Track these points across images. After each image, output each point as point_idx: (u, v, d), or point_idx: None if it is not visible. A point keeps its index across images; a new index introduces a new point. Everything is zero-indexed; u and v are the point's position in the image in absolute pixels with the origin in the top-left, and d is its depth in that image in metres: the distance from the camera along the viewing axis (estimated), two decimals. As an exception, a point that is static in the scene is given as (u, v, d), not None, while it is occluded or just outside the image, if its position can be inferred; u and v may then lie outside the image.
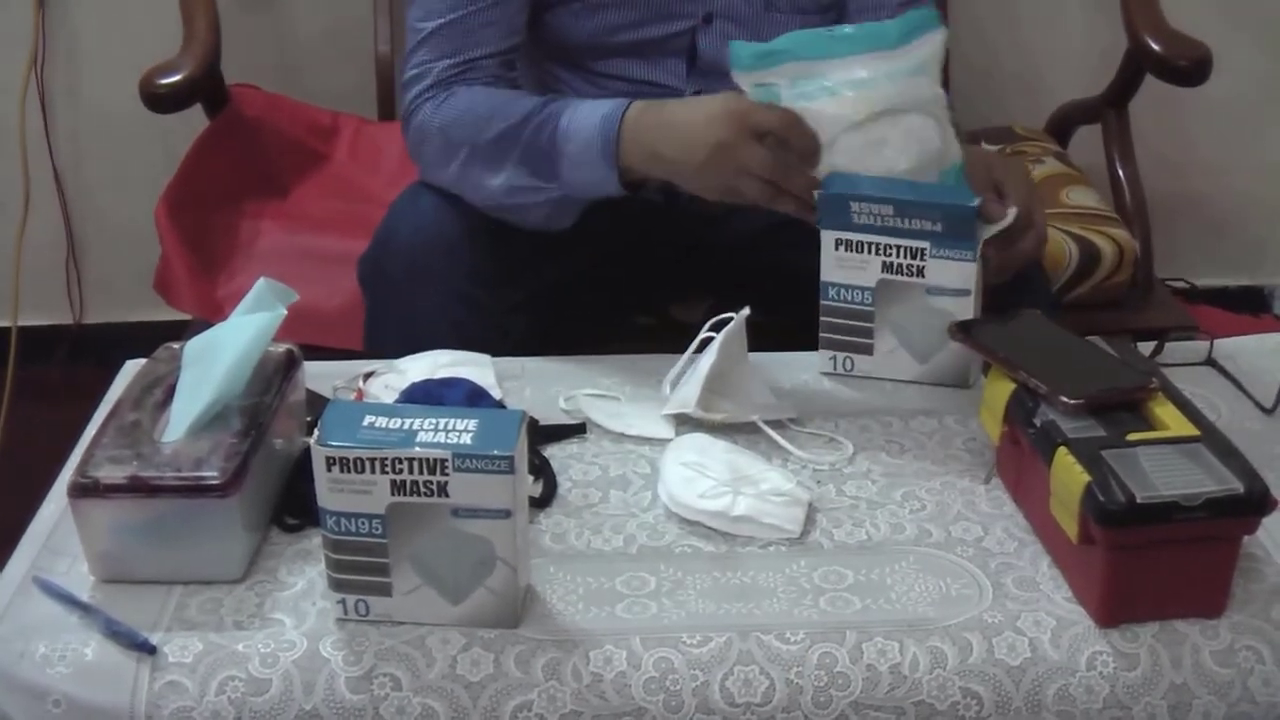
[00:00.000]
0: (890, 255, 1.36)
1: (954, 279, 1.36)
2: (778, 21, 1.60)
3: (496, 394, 1.35)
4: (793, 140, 1.35)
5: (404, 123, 1.56)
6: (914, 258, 1.36)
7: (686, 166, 1.38)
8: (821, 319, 1.41)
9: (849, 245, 1.36)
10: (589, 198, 1.47)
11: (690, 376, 1.34)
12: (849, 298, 1.39)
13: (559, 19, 1.58)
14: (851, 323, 1.40)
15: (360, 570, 1.06)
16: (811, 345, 1.43)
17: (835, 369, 1.42)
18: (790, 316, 1.46)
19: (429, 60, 1.53)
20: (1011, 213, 1.35)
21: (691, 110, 1.41)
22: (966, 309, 1.36)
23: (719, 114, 1.37)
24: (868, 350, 1.41)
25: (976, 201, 1.34)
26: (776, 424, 1.33)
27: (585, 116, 1.43)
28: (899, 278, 1.36)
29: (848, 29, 1.39)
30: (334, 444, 1.02)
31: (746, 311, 1.34)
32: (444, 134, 1.50)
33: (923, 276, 1.36)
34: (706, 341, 1.34)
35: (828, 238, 1.37)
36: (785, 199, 1.36)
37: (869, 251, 1.36)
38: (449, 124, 1.50)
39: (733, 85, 1.63)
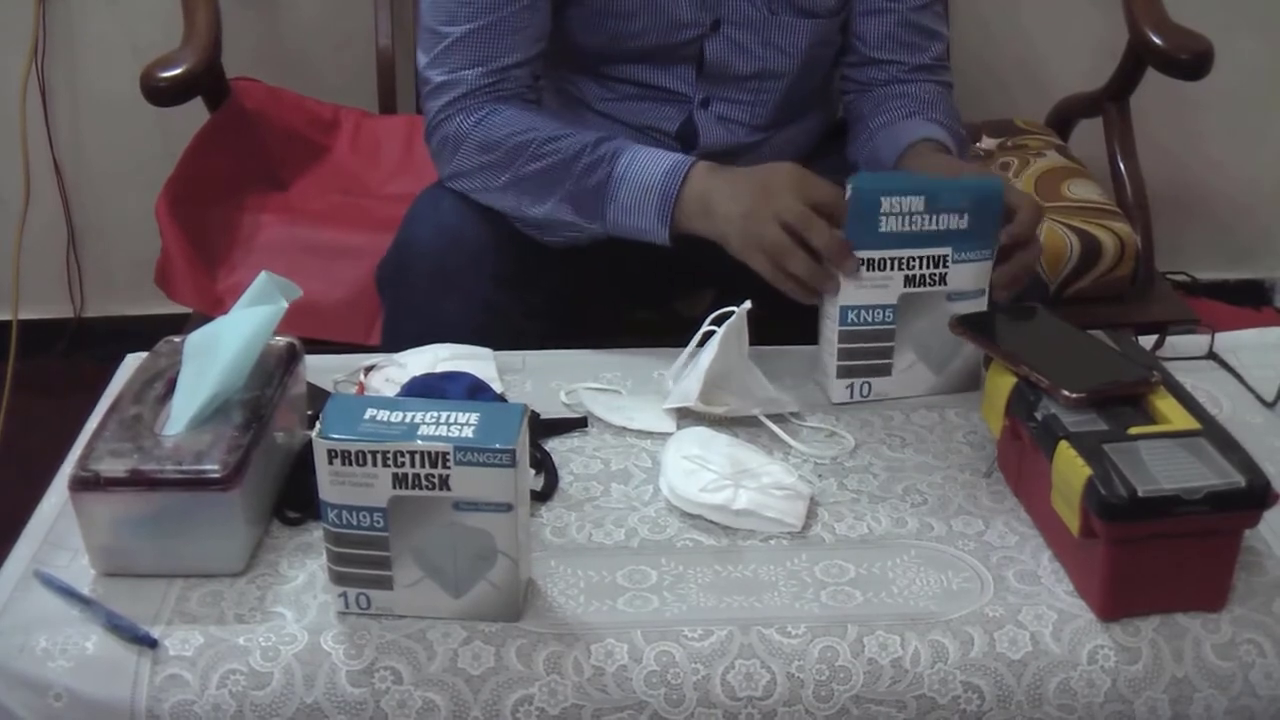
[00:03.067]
0: (913, 268, 1.33)
1: (972, 281, 1.35)
2: (785, 25, 1.60)
3: (498, 387, 1.35)
4: (838, 217, 1.33)
5: (430, 129, 1.55)
6: (936, 266, 1.33)
7: (731, 216, 1.38)
8: (839, 346, 1.36)
9: (871, 264, 1.32)
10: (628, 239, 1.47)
11: (691, 370, 1.34)
12: (870, 319, 1.35)
13: (570, 24, 1.58)
14: (872, 345, 1.36)
15: (361, 564, 1.06)
16: (813, 339, 1.42)
17: (852, 397, 1.38)
18: (792, 310, 1.45)
19: (460, 67, 1.51)
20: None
21: (753, 170, 1.41)
22: (982, 309, 1.36)
23: (779, 170, 1.37)
24: (886, 371, 1.37)
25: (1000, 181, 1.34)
26: (778, 418, 1.33)
27: (645, 167, 1.43)
28: (921, 289, 1.34)
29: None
30: (335, 437, 1.02)
31: (748, 305, 1.34)
32: (483, 152, 1.49)
33: (944, 284, 1.34)
34: (708, 335, 1.34)
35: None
36: (791, 279, 1.35)
37: (891, 267, 1.33)
38: (489, 144, 1.49)
39: (737, 91, 1.63)
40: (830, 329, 1.36)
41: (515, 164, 1.48)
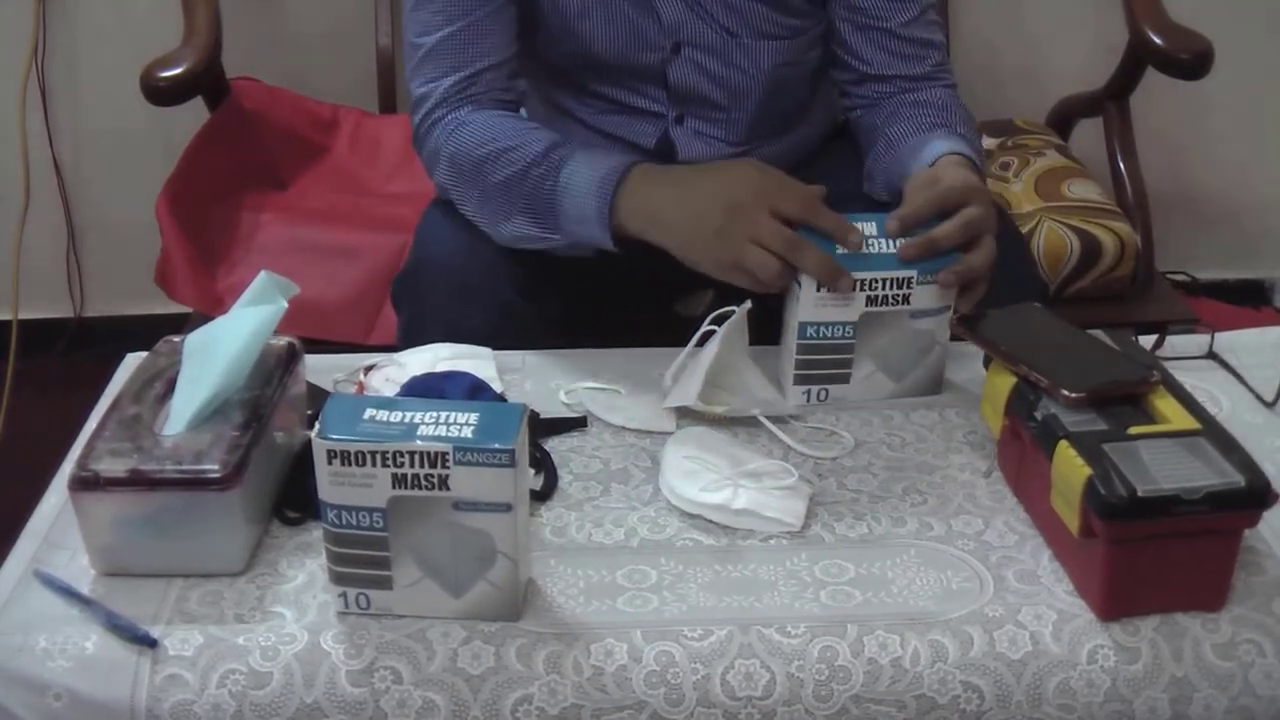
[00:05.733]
0: (876, 289, 1.32)
1: (936, 299, 1.34)
2: (746, 48, 1.59)
3: (497, 387, 1.35)
4: (820, 222, 1.31)
5: (416, 143, 1.55)
6: (900, 287, 1.32)
7: (694, 233, 1.35)
8: (796, 358, 1.35)
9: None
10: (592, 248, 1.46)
11: (691, 370, 1.34)
12: (829, 334, 1.34)
13: (538, 43, 1.58)
14: (830, 357, 1.35)
15: (361, 563, 1.06)
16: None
17: (809, 401, 1.37)
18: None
19: (435, 76, 1.51)
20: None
21: (707, 176, 1.38)
22: (944, 326, 1.35)
23: (739, 180, 1.35)
24: (844, 380, 1.36)
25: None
26: (777, 418, 1.33)
27: (584, 174, 1.41)
28: (883, 308, 1.33)
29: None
30: (335, 437, 1.02)
31: (748, 305, 1.34)
32: (454, 168, 1.50)
33: (907, 304, 1.33)
34: (708, 335, 1.34)
35: (808, 280, 1.31)
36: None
37: (854, 288, 1.31)
38: (458, 157, 1.49)
39: (709, 110, 1.62)
40: (790, 339, 1.35)
41: (481, 179, 1.47)
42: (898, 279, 1.32)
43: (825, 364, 1.36)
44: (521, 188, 1.45)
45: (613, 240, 1.41)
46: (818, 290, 1.31)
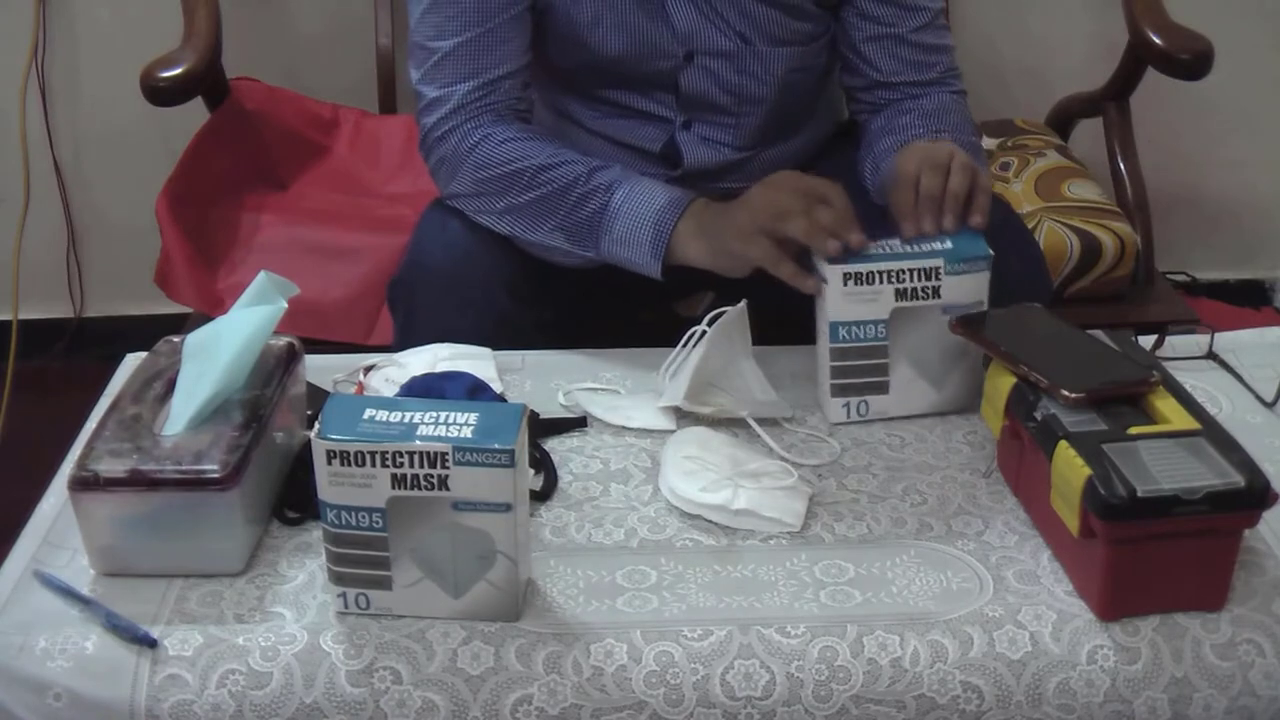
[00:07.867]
0: (904, 281, 1.30)
1: (969, 292, 1.31)
2: (760, 55, 1.59)
3: (497, 387, 1.35)
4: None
5: (427, 146, 1.55)
6: (929, 279, 1.30)
7: (729, 219, 1.37)
8: (830, 365, 1.32)
9: (859, 278, 1.29)
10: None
11: (682, 369, 1.34)
12: (861, 334, 1.31)
13: (548, 48, 1.58)
14: (865, 362, 1.32)
15: (361, 564, 1.06)
16: (811, 339, 1.42)
17: (849, 417, 1.34)
18: (793, 311, 1.45)
19: (451, 82, 1.51)
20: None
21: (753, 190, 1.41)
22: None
23: (781, 175, 1.39)
24: (883, 389, 1.34)
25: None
26: (770, 421, 1.32)
27: (640, 202, 1.43)
28: (914, 303, 1.31)
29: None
30: (334, 437, 1.02)
31: (743, 305, 1.33)
32: (479, 181, 1.50)
33: (939, 297, 1.31)
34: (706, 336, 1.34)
35: (834, 274, 1.29)
36: (789, 263, 1.33)
37: (881, 281, 1.30)
38: (484, 172, 1.49)
39: (718, 115, 1.60)
40: (823, 346, 1.34)
41: (510, 193, 1.48)
42: (925, 270, 1.30)
43: (861, 370, 1.33)
44: (558, 206, 1.46)
45: (660, 267, 1.43)
46: (844, 285, 1.29)
